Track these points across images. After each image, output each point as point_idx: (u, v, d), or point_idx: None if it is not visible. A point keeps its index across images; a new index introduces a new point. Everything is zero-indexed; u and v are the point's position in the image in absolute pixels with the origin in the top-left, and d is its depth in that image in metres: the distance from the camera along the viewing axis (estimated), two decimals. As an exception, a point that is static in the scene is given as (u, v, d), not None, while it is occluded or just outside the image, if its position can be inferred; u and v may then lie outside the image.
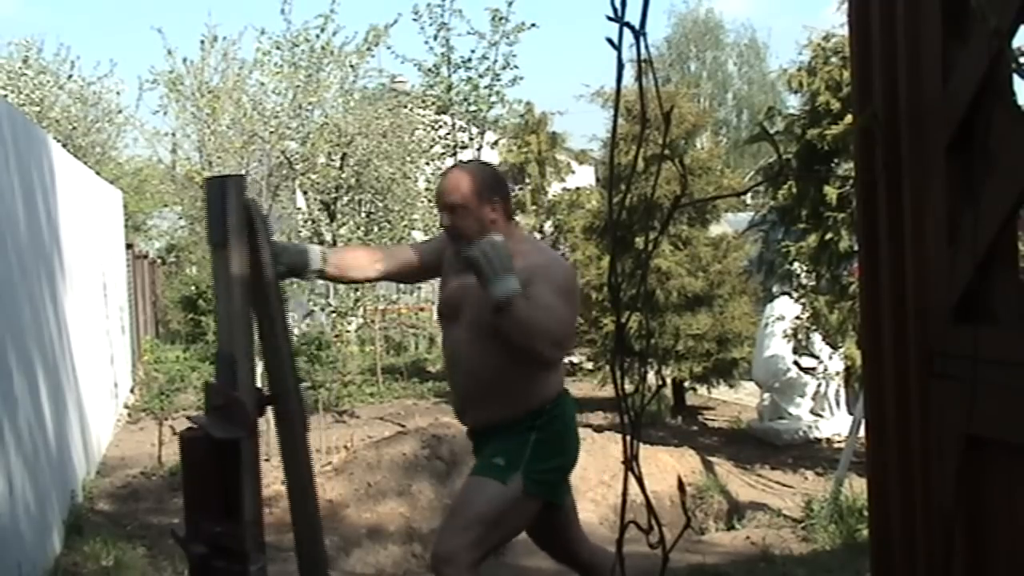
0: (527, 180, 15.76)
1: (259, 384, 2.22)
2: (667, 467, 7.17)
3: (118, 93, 17.65)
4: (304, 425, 2.19)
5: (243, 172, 9.62)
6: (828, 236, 7.79)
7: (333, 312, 12.11)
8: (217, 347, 2.25)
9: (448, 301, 3.51)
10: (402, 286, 16.86)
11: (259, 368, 2.28)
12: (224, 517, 2.05)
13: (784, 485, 8.03)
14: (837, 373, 9.20)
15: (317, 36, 10.69)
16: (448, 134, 11.23)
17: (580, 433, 3.62)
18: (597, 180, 17.18)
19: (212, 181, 2.17)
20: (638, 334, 8.55)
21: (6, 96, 13.36)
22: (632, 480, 1.30)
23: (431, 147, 12.44)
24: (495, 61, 10.37)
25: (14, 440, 4.92)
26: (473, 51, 10.52)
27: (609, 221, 10.19)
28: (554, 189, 15.78)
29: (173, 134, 14.10)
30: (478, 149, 10.76)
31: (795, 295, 8.71)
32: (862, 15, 1.72)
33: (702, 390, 11.47)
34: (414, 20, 10.49)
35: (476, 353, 3.32)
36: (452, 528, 3.32)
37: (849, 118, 6.66)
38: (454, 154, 11.08)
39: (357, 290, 12.65)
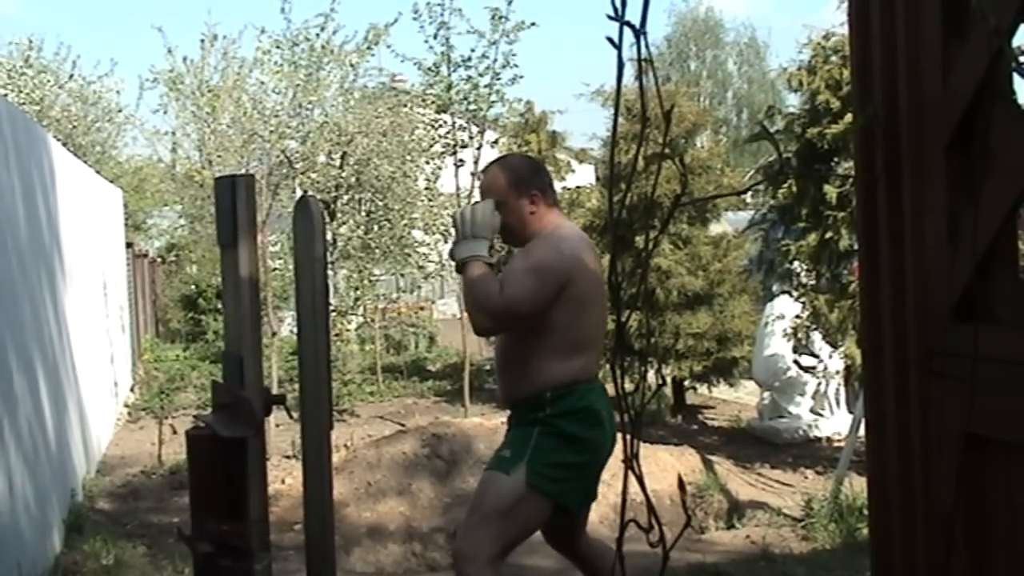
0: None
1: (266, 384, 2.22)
2: (667, 466, 7.17)
3: (118, 92, 17.65)
4: (329, 420, 2.21)
5: (243, 171, 9.62)
6: (828, 235, 7.79)
7: (333, 311, 12.11)
8: (224, 346, 2.25)
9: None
10: (402, 283, 16.88)
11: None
12: (230, 515, 2.06)
13: (784, 484, 8.04)
14: (837, 372, 9.20)
15: (317, 35, 10.67)
16: (448, 133, 11.21)
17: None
18: (597, 179, 17.16)
19: (222, 181, 2.16)
20: (638, 333, 8.58)
21: (6, 95, 13.36)
22: (632, 479, 1.30)
23: (431, 146, 12.44)
24: (495, 60, 10.35)
25: (14, 439, 4.92)
26: (473, 50, 10.49)
27: (609, 220, 10.19)
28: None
29: (173, 133, 14.08)
30: (478, 148, 10.73)
31: (795, 294, 8.71)
32: (862, 14, 1.72)
33: (702, 389, 11.47)
34: (414, 19, 10.46)
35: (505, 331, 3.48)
36: (470, 525, 3.34)
37: (849, 117, 6.66)
38: (454, 153, 11.06)
39: (357, 289, 12.65)
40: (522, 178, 3.39)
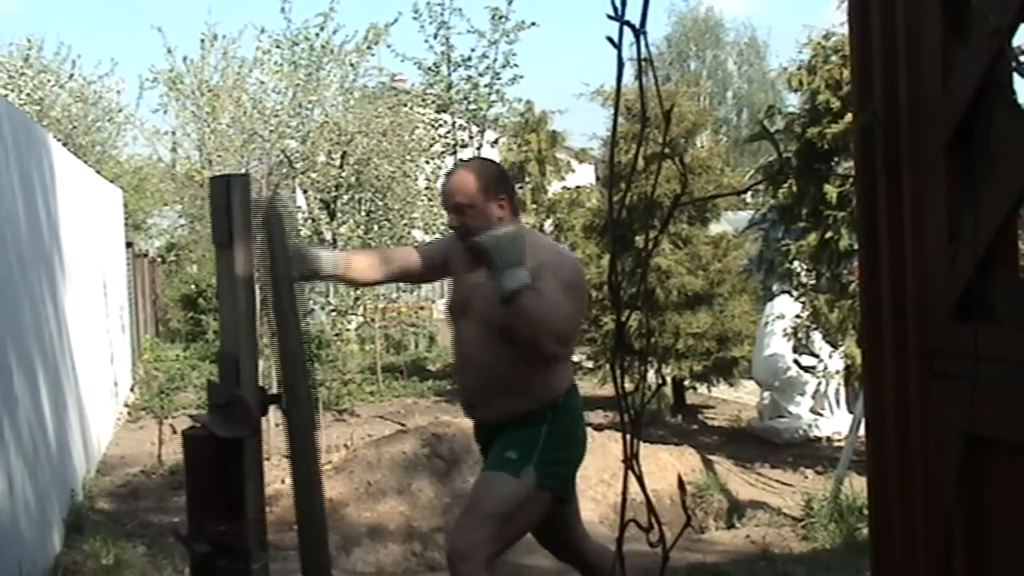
0: (527, 179, 15.76)
1: (262, 383, 2.22)
2: (667, 466, 7.17)
3: (118, 92, 17.66)
4: (313, 424, 2.20)
5: (243, 171, 9.62)
6: (828, 235, 7.78)
7: (333, 311, 12.12)
8: (221, 346, 2.25)
9: (458, 298, 3.52)
10: (403, 284, 16.89)
11: (262, 367, 2.28)
12: (227, 515, 2.06)
13: (784, 484, 8.04)
14: (837, 372, 9.20)
15: (317, 35, 10.68)
16: (448, 133, 11.22)
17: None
18: (597, 179, 17.18)
19: (217, 180, 2.16)
20: (638, 333, 8.57)
21: (7, 95, 13.35)
22: (632, 479, 1.30)
23: (431, 146, 12.44)
24: (495, 60, 10.38)
25: (14, 439, 4.92)
26: (473, 50, 10.51)
27: (609, 220, 10.20)
28: (554, 188, 15.78)
29: (173, 133, 14.14)
30: (478, 148, 10.76)
31: (795, 294, 8.70)
32: (862, 13, 1.72)
33: (702, 389, 11.47)
34: (414, 19, 10.49)
35: (486, 348, 3.33)
36: (467, 524, 3.30)
37: (849, 117, 6.65)
38: (454, 152, 11.08)
39: (357, 289, 12.65)
40: (492, 182, 3.37)
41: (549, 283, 3.23)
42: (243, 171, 9.48)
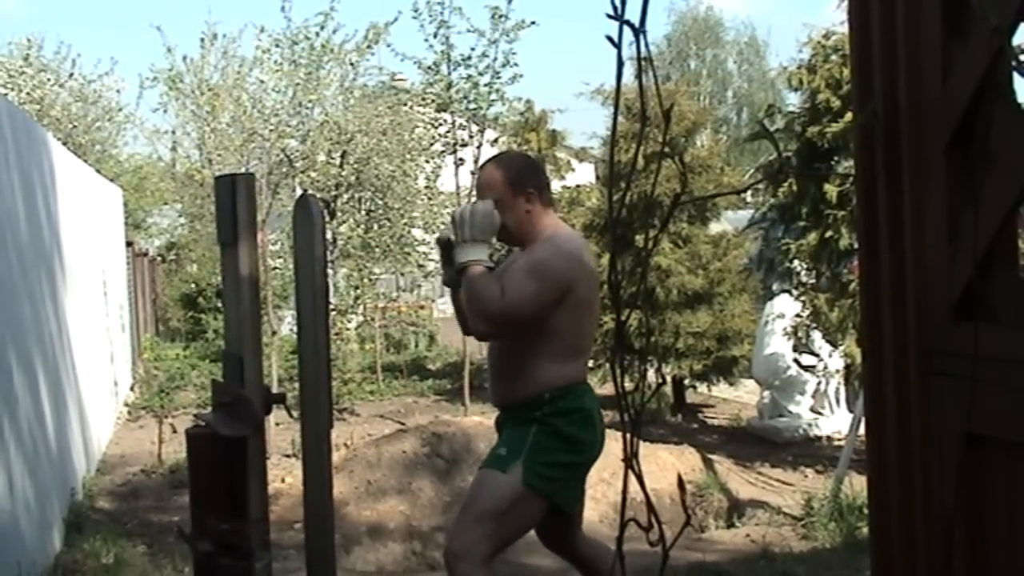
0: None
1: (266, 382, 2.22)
2: (667, 465, 7.17)
3: (118, 91, 17.64)
4: (330, 422, 2.22)
5: (243, 170, 9.62)
6: (828, 234, 7.78)
7: (333, 310, 12.12)
8: (225, 345, 2.25)
9: None
10: (402, 282, 16.91)
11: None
12: (230, 514, 2.06)
13: (784, 483, 8.04)
14: (837, 371, 9.20)
15: (317, 34, 10.66)
16: (448, 132, 11.21)
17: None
18: (597, 178, 17.16)
19: (222, 179, 2.16)
20: (638, 332, 8.57)
21: (6, 94, 13.35)
22: (632, 478, 1.30)
23: (431, 145, 12.44)
24: (495, 59, 10.35)
25: (14, 438, 4.92)
26: (473, 49, 10.49)
27: (609, 219, 10.20)
28: (554, 187, 15.76)
29: (173, 132, 14.13)
30: (478, 147, 10.74)
31: (795, 293, 8.70)
32: (862, 13, 1.72)
33: (702, 388, 11.47)
34: (414, 18, 10.46)
35: None
36: (463, 523, 3.31)
37: (849, 116, 6.65)
38: (454, 152, 11.06)
39: (357, 287, 12.66)
40: (519, 176, 3.37)
41: (516, 265, 3.32)
42: (243, 170, 9.49)
